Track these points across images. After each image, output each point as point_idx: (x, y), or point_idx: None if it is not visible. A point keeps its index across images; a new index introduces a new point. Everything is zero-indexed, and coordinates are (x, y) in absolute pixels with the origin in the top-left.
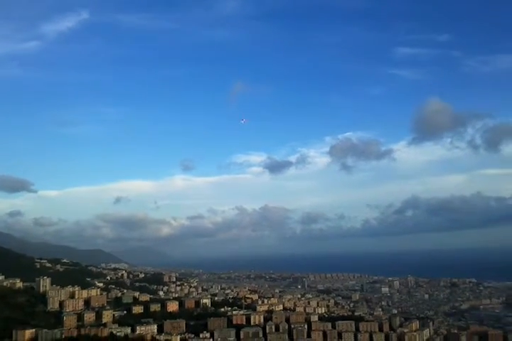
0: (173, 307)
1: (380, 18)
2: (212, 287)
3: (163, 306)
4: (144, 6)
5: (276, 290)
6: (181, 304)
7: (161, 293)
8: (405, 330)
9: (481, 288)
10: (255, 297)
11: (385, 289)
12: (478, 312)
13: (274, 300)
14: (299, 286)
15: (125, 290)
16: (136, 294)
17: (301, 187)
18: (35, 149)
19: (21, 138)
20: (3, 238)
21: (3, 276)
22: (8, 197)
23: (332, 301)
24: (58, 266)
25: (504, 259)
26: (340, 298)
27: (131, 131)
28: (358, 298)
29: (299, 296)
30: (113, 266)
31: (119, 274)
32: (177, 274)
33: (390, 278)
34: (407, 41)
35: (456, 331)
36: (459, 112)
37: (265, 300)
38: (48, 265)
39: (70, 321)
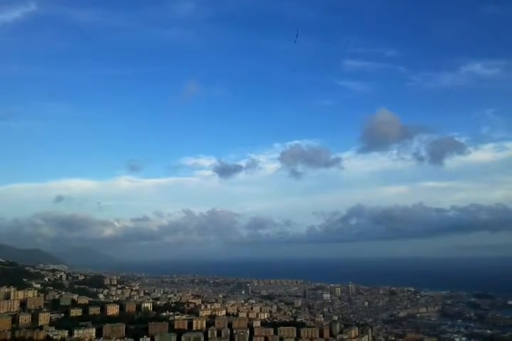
0: (113, 310)
1: (331, 31)
2: (154, 291)
3: (103, 309)
4: (96, 2)
5: (220, 296)
6: (122, 308)
7: (101, 296)
8: (345, 337)
9: (418, 296)
10: (198, 302)
11: (326, 296)
12: (415, 320)
13: (217, 305)
14: (243, 292)
15: (63, 292)
16: (75, 296)
17: (250, 192)
18: None
19: None
20: None
21: None
22: None
23: (275, 307)
24: None
25: (441, 269)
26: (283, 303)
27: (75, 127)
28: (300, 304)
29: (243, 302)
30: (52, 266)
31: (58, 275)
32: (118, 277)
33: (331, 285)
34: (356, 54)
35: (393, 338)
36: (406, 125)
37: (208, 305)
38: None
39: (4, 323)
